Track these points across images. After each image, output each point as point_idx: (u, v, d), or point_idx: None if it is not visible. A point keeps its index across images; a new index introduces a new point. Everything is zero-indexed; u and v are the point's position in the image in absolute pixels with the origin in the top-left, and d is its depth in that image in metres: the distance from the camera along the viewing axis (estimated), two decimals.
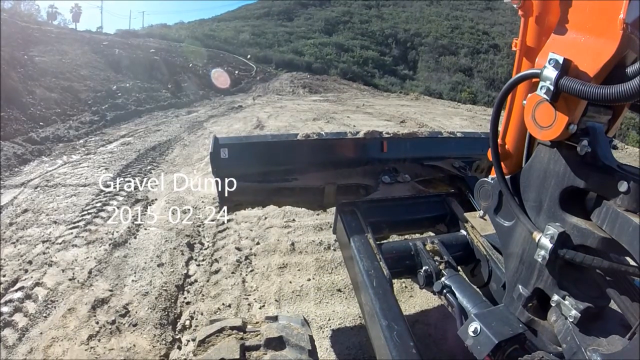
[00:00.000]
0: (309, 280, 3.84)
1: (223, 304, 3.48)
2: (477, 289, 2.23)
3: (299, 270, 4.01)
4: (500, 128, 1.77)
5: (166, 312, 3.38)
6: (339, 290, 3.69)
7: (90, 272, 3.88)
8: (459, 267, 2.34)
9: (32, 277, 3.79)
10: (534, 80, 1.42)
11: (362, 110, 17.23)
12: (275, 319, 2.06)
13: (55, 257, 4.14)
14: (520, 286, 1.66)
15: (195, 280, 3.88)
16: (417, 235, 2.91)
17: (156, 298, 3.52)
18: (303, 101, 20.94)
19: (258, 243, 4.56)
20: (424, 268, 2.18)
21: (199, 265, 4.16)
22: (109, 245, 4.40)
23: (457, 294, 1.99)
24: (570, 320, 1.44)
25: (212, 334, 1.91)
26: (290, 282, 3.78)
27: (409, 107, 19.15)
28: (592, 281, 1.50)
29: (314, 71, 40.31)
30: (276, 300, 3.53)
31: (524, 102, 1.46)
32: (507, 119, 1.77)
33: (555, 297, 1.50)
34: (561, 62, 1.28)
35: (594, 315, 1.44)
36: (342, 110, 16.88)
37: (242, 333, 1.90)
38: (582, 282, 1.50)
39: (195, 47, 36.86)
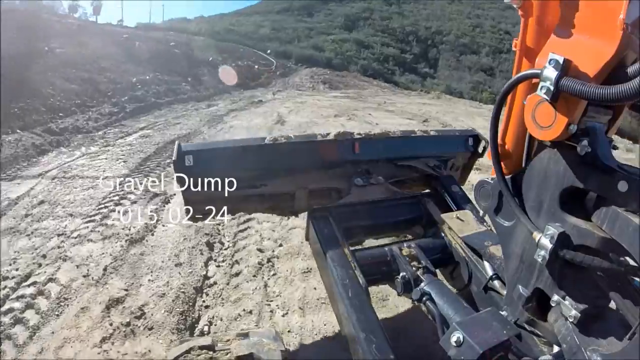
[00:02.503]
0: None
1: (244, 310, 3.27)
2: (458, 294, 2.22)
3: None
4: (500, 128, 1.75)
5: (184, 316, 3.20)
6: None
7: (105, 269, 3.73)
8: (437, 270, 2.34)
9: (45, 272, 3.66)
10: (534, 80, 1.42)
11: (384, 108, 16.88)
12: (246, 335, 2.08)
13: (70, 252, 4.00)
14: (520, 286, 1.68)
15: (215, 283, 3.68)
16: (394, 239, 2.82)
17: (173, 300, 3.34)
18: (323, 97, 20.61)
19: (281, 245, 4.35)
20: (401, 274, 2.18)
21: (218, 266, 3.97)
22: (125, 241, 4.24)
23: (437, 301, 1.98)
24: (570, 320, 1.46)
25: (181, 355, 1.93)
26: (315, 289, 3.54)
27: (430, 105, 18.74)
28: (592, 281, 1.52)
29: (334, 67, 39.79)
30: (300, 308, 3.31)
31: (524, 102, 1.47)
32: (507, 119, 1.79)
33: (555, 297, 1.52)
34: (561, 62, 1.28)
35: (593, 315, 1.46)
36: (364, 107, 16.53)
37: (211, 352, 1.94)
38: (582, 282, 1.51)
39: (215, 41, 36.94)
